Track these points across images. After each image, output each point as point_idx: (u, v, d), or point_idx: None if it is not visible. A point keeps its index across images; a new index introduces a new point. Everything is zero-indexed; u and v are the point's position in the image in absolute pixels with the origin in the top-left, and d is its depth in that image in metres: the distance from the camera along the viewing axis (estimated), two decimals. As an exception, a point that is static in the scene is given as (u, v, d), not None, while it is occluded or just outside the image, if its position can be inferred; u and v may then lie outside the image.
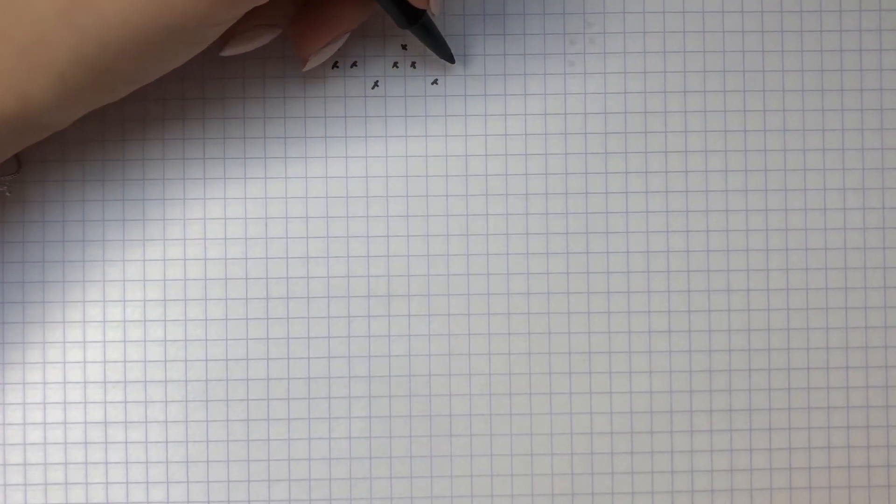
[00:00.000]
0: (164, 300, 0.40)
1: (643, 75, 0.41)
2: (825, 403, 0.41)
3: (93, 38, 0.31)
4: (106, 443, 0.40)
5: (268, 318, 0.40)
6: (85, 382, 0.40)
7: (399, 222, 0.41)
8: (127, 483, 0.40)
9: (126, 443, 0.40)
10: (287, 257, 0.40)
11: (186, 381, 0.40)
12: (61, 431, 0.40)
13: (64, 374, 0.40)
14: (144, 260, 0.40)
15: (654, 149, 0.41)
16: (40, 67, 0.32)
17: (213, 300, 0.40)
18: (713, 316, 0.41)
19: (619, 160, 0.41)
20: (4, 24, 0.31)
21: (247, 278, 0.40)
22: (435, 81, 0.41)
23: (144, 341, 0.40)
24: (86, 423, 0.40)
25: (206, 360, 0.40)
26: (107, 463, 0.40)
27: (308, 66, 0.38)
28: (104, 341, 0.40)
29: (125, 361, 0.40)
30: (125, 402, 0.40)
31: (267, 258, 0.40)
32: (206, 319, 0.40)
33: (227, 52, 0.37)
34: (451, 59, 0.40)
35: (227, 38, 0.37)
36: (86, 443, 0.40)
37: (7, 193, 0.40)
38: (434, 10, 0.37)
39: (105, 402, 0.40)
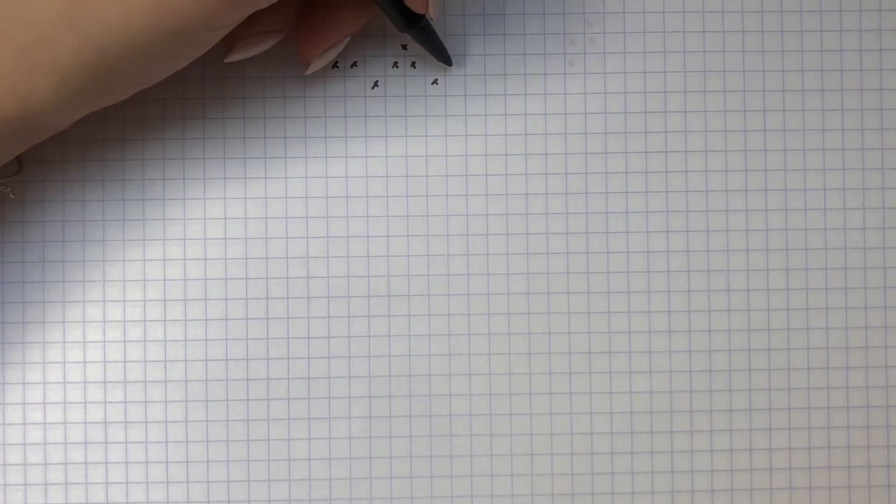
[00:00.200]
0: (164, 300, 0.40)
1: (643, 75, 0.41)
2: (825, 403, 0.41)
3: (94, 40, 0.31)
4: (106, 443, 0.40)
5: (268, 318, 0.40)
6: (85, 382, 0.40)
7: (399, 222, 0.41)
8: (127, 483, 0.40)
9: (126, 443, 0.40)
10: (287, 257, 0.40)
11: (186, 381, 0.40)
12: (61, 431, 0.40)
13: (64, 374, 0.40)
14: (144, 260, 0.40)
15: (654, 149, 0.41)
16: (41, 69, 0.32)
17: (213, 300, 0.40)
18: (713, 316, 0.41)
19: (619, 160, 0.41)
20: (5, 25, 0.31)
21: (247, 278, 0.40)
22: (435, 81, 0.41)
23: (144, 341, 0.40)
24: (86, 423, 0.40)
25: (206, 360, 0.40)
26: (107, 463, 0.40)
27: (311, 70, 0.38)
28: (104, 341, 0.40)
29: (125, 361, 0.40)
30: (125, 402, 0.40)
31: (267, 258, 0.40)
32: (206, 319, 0.40)
33: (232, 57, 0.37)
34: (448, 62, 0.40)
35: (231, 44, 0.37)
36: (86, 443, 0.40)
37: (11, 195, 0.40)
38: (433, 14, 0.37)
39: (105, 402, 0.40)
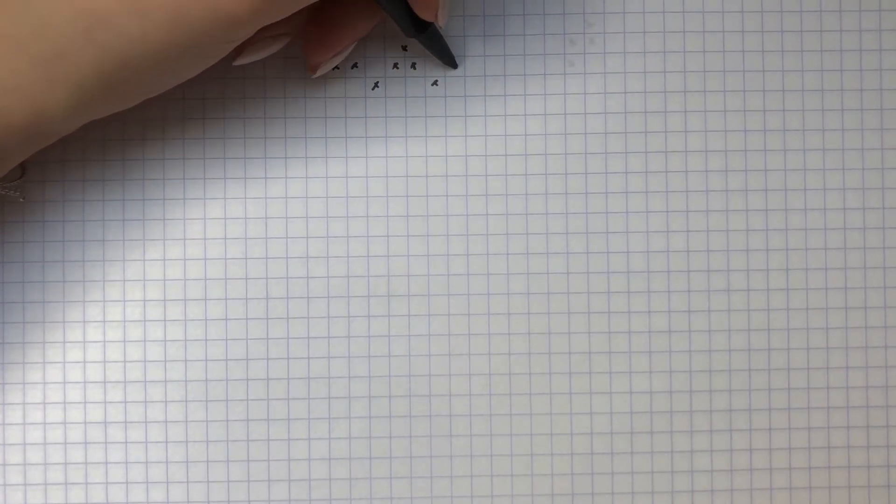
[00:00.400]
0: (164, 300, 0.40)
1: (643, 75, 0.41)
2: (825, 403, 0.41)
3: (112, 53, 0.32)
4: (106, 443, 0.40)
5: (268, 318, 0.40)
6: (85, 382, 0.40)
7: (399, 222, 0.41)
8: (127, 483, 0.40)
9: (126, 443, 0.40)
10: (287, 257, 0.40)
11: (186, 381, 0.40)
12: (61, 431, 0.40)
13: (64, 374, 0.40)
14: (144, 260, 0.40)
15: (654, 149, 0.41)
16: (58, 80, 0.32)
17: (212, 300, 0.40)
18: (713, 316, 0.41)
19: (619, 160, 0.41)
20: (24, 37, 0.31)
21: (247, 278, 0.40)
22: (435, 82, 0.41)
23: (144, 341, 0.40)
24: (85, 423, 0.40)
25: (206, 360, 0.40)
26: (107, 463, 0.40)
27: (318, 74, 0.38)
28: (104, 341, 0.40)
29: (125, 361, 0.40)
30: (125, 402, 0.40)
31: (267, 258, 0.40)
32: (206, 319, 0.40)
33: (240, 61, 0.37)
34: (454, 65, 0.40)
35: (240, 48, 0.37)
36: (86, 443, 0.40)
37: (21, 199, 0.40)
38: (441, 23, 0.37)
39: (105, 402, 0.40)
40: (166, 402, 0.40)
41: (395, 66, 0.41)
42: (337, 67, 0.41)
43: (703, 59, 0.41)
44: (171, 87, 0.35)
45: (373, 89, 0.41)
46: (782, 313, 0.41)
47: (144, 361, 0.40)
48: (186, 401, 0.40)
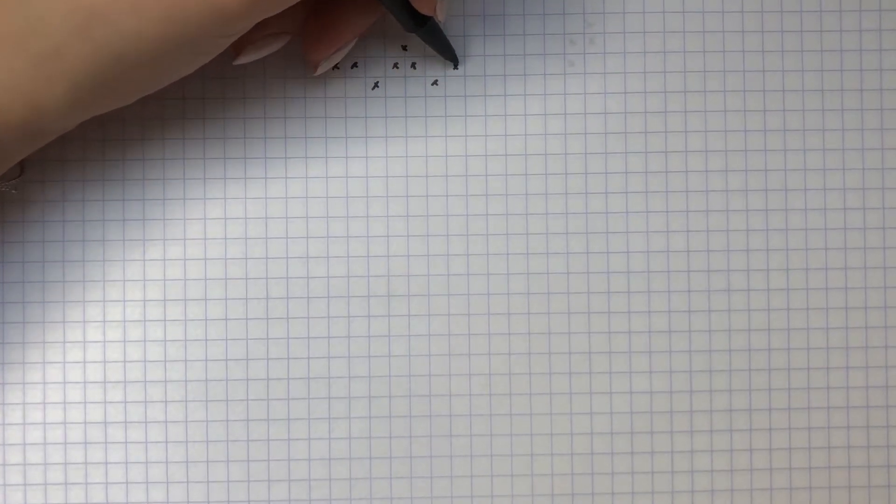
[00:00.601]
0: (164, 300, 0.40)
1: (643, 75, 0.41)
2: (825, 403, 0.41)
3: (108, 49, 0.32)
4: (106, 443, 0.40)
5: (268, 318, 0.40)
6: (85, 382, 0.40)
7: (399, 222, 0.41)
8: (127, 483, 0.40)
9: (126, 443, 0.40)
10: (287, 257, 0.40)
11: (186, 381, 0.40)
12: (61, 431, 0.40)
13: (64, 374, 0.40)
14: (144, 260, 0.40)
15: (654, 149, 0.41)
16: (55, 77, 0.32)
17: (212, 300, 0.40)
18: (713, 316, 0.41)
19: (619, 160, 0.41)
20: (20, 34, 0.31)
21: (247, 278, 0.40)
22: (435, 82, 0.41)
23: (144, 341, 0.40)
24: (85, 423, 0.40)
25: (206, 360, 0.40)
26: (106, 463, 0.40)
27: (319, 71, 0.38)
28: (104, 341, 0.40)
29: (125, 361, 0.40)
30: (125, 402, 0.40)
31: (267, 258, 0.40)
32: (206, 319, 0.40)
33: (240, 60, 0.37)
34: (455, 61, 0.40)
35: (240, 47, 0.37)
36: (85, 443, 0.40)
37: (13, 191, 0.40)
38: (440, 17, 0.37)
39: (105, 402, 0.40)
40: (166, 402, 0.40)
41: (395, 65, 0.41)
42: (337, 66, 0.41)
43: (703, 59, 0.41)
44: (169, 83, 0.35)
45: (373, 89, 0.41)
46: (782, 313, 0.41)
47: (144, 361, 0.40)
48: (186, 401, 0.40)
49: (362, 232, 0.41)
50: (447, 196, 0.41)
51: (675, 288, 0.41)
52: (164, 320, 0.40)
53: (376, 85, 0.41)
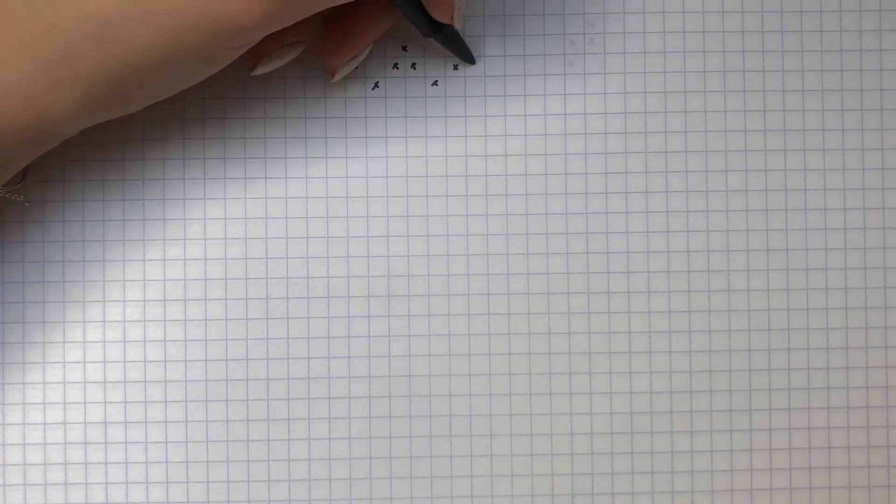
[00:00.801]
0: (164, 300, 0.40)
1: (643, 75, 0.41)
2: (825, 404, 0.41)
3: (118, 57, 0.32)
4: (106, 443, 0.40)
5: (267, 319, 0.40)
6: (85, 382, 0.40)
7: (399, 222, 0.41)
8: (127, 483, 0.40)
9: (126, 443, 0.40)
10: (287, 257, 0.40)
11: (186, 381, 0.40)
12: (61, 431, 0.40)
13: (64, 374, 0.40)
14: (144, 260, 0.40)
15: (654, 149, 0.41)
16: (64, 82, 0.32)
17: (212, 300, 0.40)
18: (713, 316, 0.41)
19: (619, 160, 0.41)
20: (31, 40, 0.32)
21: (247, 278, 0.40)
22: (435, 83, 0.41)
23: (144, 341, 0.40)
24: (85, 423, 0.40)
25: (206, 360, 0.40)
26: (106, 463, 0.40)
27: (337, 77, 0.39)
28: (104, 341, 0.40)
29: (125, 361, 0.40)
30: (125, 402, 0.40)
31: (267, 258, 0.40)
32: (206, 319, 0.40)
33: (257, 72, 0.38)
34: (472, 62, 0.41)
35: (257, 59, 0.37)
36: (85, 443, 0.40)
37: (26, 203, 0.40)
38: (457, 24, 0.38)
39: (105, 402, 0.40)
40: (166, 402, 0.40)
41: (395, 66, 0.41)
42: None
43: (703, 59, 0.41)
44: (177, 91, 0.35)
45: (373, 89, 0.41)
46: (782, 313, 0.41)
47: (144, 361, 0.40)
48: (186, 401, 0.40)
49: (362, 232, 0.41)
50: (447, 196, 0.41)
51: (675, 288, 0.41)
52: (164, 320, 0.40)
53: (376, 85, 0.41)
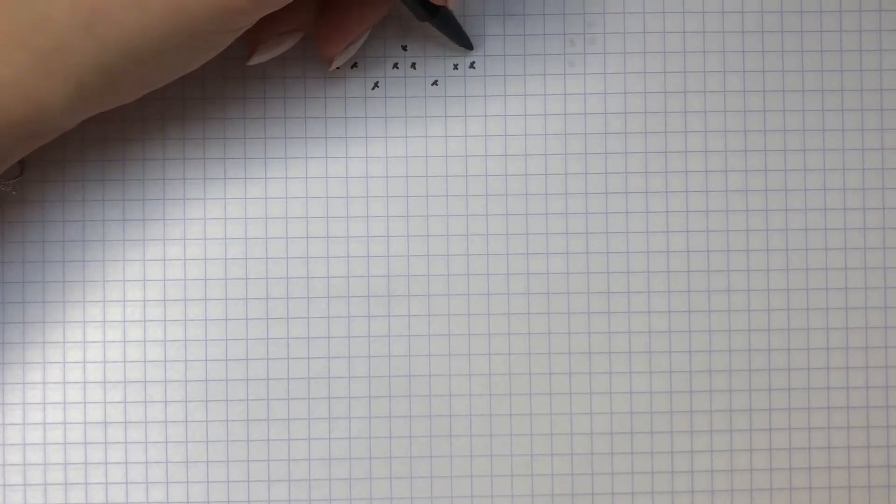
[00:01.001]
0: (164, 300, 0.40)
1: (643, 75, 0.41)
2: (825, 404, 0.41)
3: (112, 45, 0.32)
4: (105, 443, 0.40)
5: (267, 319, 0.40)
6: (85, 382, 0.40)
7: (399, 222, 0.41)
8: (127, 483, 0.40)
9: (126, 443, 0.40)
10: (287, 257, 0.40)
11: (186, 381, 0.40)
12: (61, 431, 0.40)
13: (64, 374, 0.40)
14: (144, 260, 0.40)
15: (654, 149, 0.41)
16: (58, 74, 0.32)
17: (212, 300, 0.40)
18: (713, 316, 0.41)
19: (619, 160, 0.41)
20: (24, 32, 0.31)
21: (247, 278, 0.40)
22: (435, 82, 0.41)
23: (144, 341, 0.40)
24: (85, 423, 0.40)
25: (206, 360, 0.40)
26: (106, 463, 0.40)
27: (334, 66, 0.38)
28: (104, 341, 0.40)
29: (125, 361, 0.40)
30: (125, 402, 0.40)
31: (267, 258, 0.40)
32: (206, 319, 0.40)
33: (254, 61, 0.38)
34: (469, 47, 0.40)
35: (253, 47, 0.37)
36: (85, 443, 0.40)
37: (13, 192, 0.40)
38: (452, 5, 0.37)
39: (105, 402, 0.40)
40: (166, 402, 0.40)
41: (395, 66, 0.41)
42: (337, 67, 0.41)
43: (703, 59, 0.41)
44: (173, 78, 0.35)
45: (373, 89, 0.41)
46: (782, 313, 0.41)
47: (144, 361, 0.40)
48: (186, 401, 0.40)
49: (362, 232, 0.41)
50: (447, 196, 0.41)
51: (675, 288, 0.41)
52: (164, 320, 0.40)
53: (376, 85, 0.41)
